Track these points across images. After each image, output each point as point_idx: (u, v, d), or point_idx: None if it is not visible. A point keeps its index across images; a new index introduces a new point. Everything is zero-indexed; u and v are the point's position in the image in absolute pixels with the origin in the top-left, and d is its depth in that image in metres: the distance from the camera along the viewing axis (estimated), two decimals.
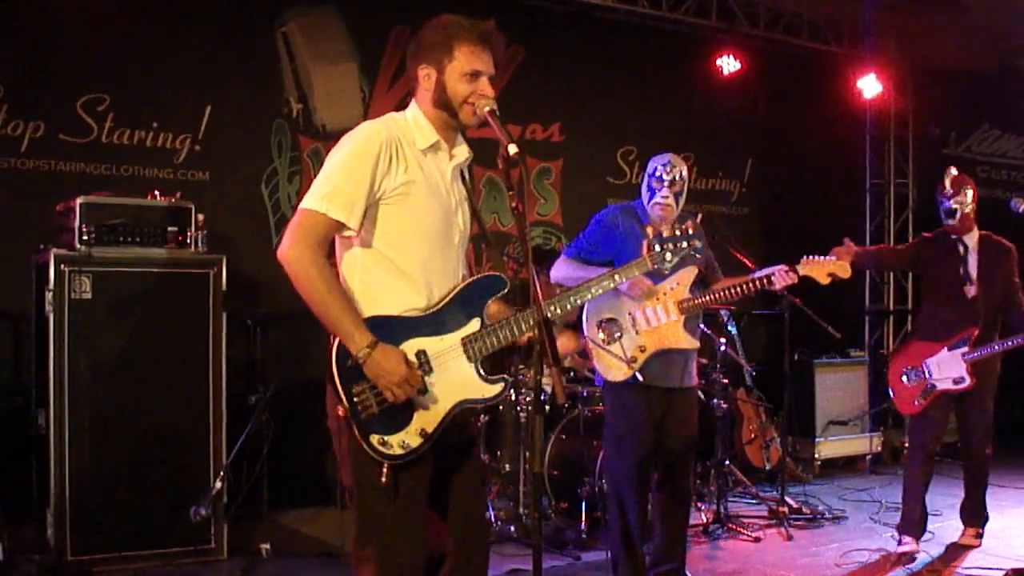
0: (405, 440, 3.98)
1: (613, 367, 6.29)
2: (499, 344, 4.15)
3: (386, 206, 4.04)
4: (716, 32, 11.67)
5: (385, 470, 3.95)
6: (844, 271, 6.43)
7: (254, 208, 9.52)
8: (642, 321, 6.27)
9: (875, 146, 13.26)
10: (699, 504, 8.89)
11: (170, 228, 7.45)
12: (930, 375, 7.60)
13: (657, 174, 6.40)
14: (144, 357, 7.37)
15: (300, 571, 7.44)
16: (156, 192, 7.61)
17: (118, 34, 8.86)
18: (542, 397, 8.06)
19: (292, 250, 3.93)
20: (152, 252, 7.39)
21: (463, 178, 4.35)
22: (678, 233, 4.57)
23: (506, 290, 4.24)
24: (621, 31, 11.42)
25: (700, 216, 9.44)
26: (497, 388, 4.18)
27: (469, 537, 4.35)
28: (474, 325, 4.15)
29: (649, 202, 6.44)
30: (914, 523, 7.73)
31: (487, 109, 4.06)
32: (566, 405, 8.63)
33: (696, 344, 6.43)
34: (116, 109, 8.87)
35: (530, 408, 7.46)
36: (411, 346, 4.03)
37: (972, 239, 7.68)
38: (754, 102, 12.60)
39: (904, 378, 7.74)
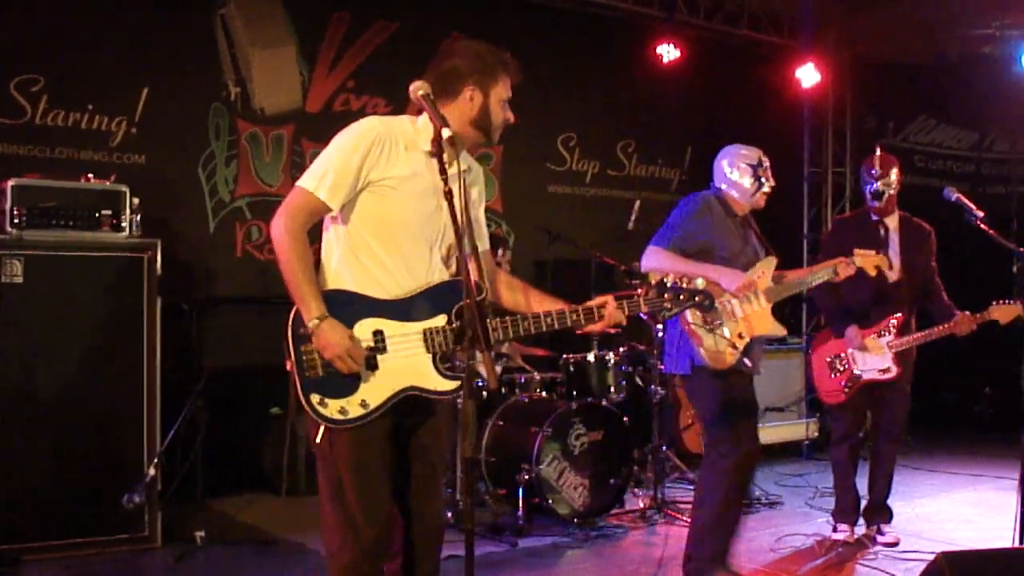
0: (344, 407, 4.17)
1: (720, 353, 6.29)
2: (460, 343, 4.24)
3: (370, 194, 4.28)
4: (657, 20, 11.68)
5: (320, 431, 4.17)
6: (885, 263, 6.77)
7: (191, 192, 9.45)
8: (738, 309, 6.33)
9: (813, 135, 13.30)
10: (635, 490, 8.92)
11: (104, 212, 7.37)
12: (855, 365, 7.59)
13: (764, 164, 6.59)
14: (76, 342, 7.29)
15: (235, 558, 7.39)
16: (90, 175, 7.53)
17: (54, 14, 8.76)
18: (480, 383, 8.08)
19: (276, 219, 4.22)
20: (85, 236, 7.31)
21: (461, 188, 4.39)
22: (683, 285, 4.57)
23: (482, 296, 4.30)
24: (562, 18, 11.42)
25: (639, 203, 9.55)
26: (451, 384, 4.33)
27: (420, 538, 4.48)
28: (439, 320, 4.31)
29: (755, 192, 6.58)
30: (847, 511, 7.76)
31: (420, 93, 4.21)
32: (502, 391, 8.64)
33: (783, 331, 6.56)
34: (51, 90, 8.78)
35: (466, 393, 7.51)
36: (369, 324, 4.24)
37: (893, 221, 7.61)
38: (694, 91, 12.64)
39: (829, 368, 7.74)
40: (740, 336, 6.29)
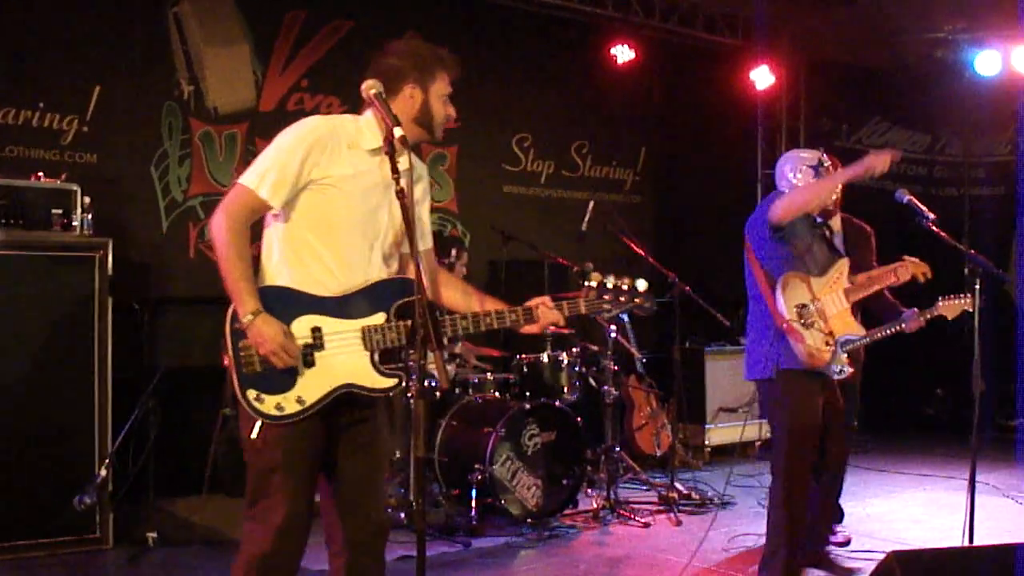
0: (281, 403, 4.18)
1: (819, 348, 6.31)
2: (400, 342, 4.32)
3: (312, 193, 4.29)
4: (612, 21, 11.71)
5: (257, 427, 4.16)
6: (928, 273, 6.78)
7: (143, 191, 9.38)
8: (828, 308, 6.39)
9: (767, 137, 13.39)
10: (588, 490, 8.93)
11: (55, 210, 7.33)
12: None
13: (825, 163, 6.62)
14: (27, 342, 7.24)
15: (187, 560, 7.36)
16: (40, 174, 7.48)
17: (4, 11, 8.67)
18: (433, 383, 8.06)
19: (216, 216, 4.23)
20: (35, 235, 7.26)
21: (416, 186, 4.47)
22: (624, 287, 4.57)
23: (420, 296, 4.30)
24: (517, 18, 11.43)
25: (592, 204, 9.56)
26: (389, 382, 4.34)
27: (362, 536, 4.47)
28: (378, 318, 4.31)
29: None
30: None
31: (373, 92, 4.25)
32: (456, 391, 8.64)
33: (864, 332, 6.58)
34: (1, 89, 8.70)
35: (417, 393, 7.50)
36: (307, 320, 4.24)
37: (836, 223, 7.64)
38: (648, 92, 12.68)
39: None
40: (831, 335, 6.36)
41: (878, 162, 6.12)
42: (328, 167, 4.26)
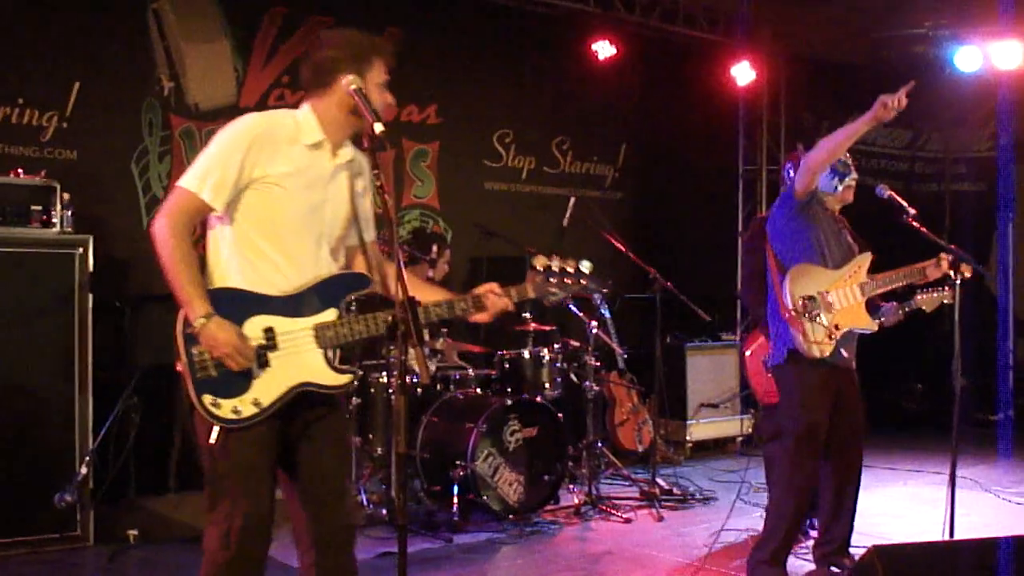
0: (237, 406, 4.15)
1: (820, 341, 6.40)
2: (352, 337, 4.32)
3: (255, 192, 4.24)
4: (593, 17, 11.70)
5: (215, 431, 4.13)
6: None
7: (123, 188, 9.34)
8: (836, 301, 6.45)
9: (748, 133, 13.42)
10: (570, 486, 8.93)
11: (34, 207, 7.30)
12: None
13: (844, 160, 6.59)
14: (6, 339, 7.21)
15: (168, 557, 7.34)
16: (20, 170, 7.46)
17: None
18: (413, 379, 8.07)
19: (158, 221, 4.17)
20: (15, 232, 7.24)
21: (373, 178, 4.42)
22: (569, 269, 4.56)
23: (367, 290, 4.43)
24: (499, 14, 11.41)
25: (574, 200, 9.56)
26: (344, 379, 4.37)
27: (328, 535, 4.47)
28: (330, 315, 4.31)
29: (838, 187, 6.63)
30: None
31: (352, 88, 4.22)
32: (438, 387, 8.65)
33: (875, 327, 6.62)
34: None
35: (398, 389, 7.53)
36: (259, 321, 4.22)
37: None
38: (629, 88, 12.69)
39: (765, 367, 7.75)
40: (836, 327, 6.42)
41: (885, 113, 6.12)
42: (268, 165, 4.22)
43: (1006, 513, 8.82)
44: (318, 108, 4.37)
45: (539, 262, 4.55)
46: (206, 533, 4.27)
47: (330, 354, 4.30)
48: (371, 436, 8.57)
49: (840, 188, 6.62)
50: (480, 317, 4.55)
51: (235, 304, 4.18)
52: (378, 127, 4.06)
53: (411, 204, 11.06)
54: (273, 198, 4.23)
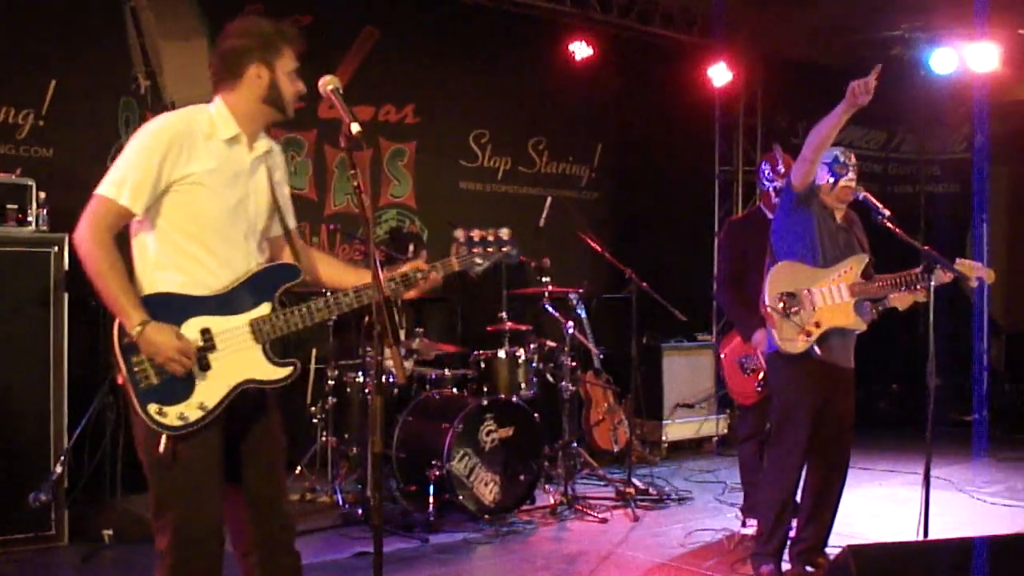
0: (184, 412, 4.12)
1: (791, 338, 6.50)
2: (289, 329, 4.33)
3: (176, 194, 4.20)
4: (570, 17, 11.71)
5: (163, 440, 4.09)
6: (990, 276, 6.68)
7: None
8: (819, 299, 6.50)
9: (724, 134, 13.42)
10: (546, 486, 8.94)
11: (9, 206, 7.26)
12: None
13: (840, 160, 6.65)
14: None
15: (143, 557, 7.26)
16: None
17: None
18: (390, 379, 8.07)
19: (80, 232, 4.12)
20: None
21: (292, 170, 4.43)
22: (490, 237, 4.62)
23: (299, 280, 4.42)
24: (476, 13, 11.40)
25: (549, 200, 9.56)
26: (285, 371, 4.35)
27: (271, 534, 4.48)
28: (264, 309, 4.31)
29: (834, 187, 6.63)
30: (756, 506, 7.82)
31: (330, 88, 4.19)
32: (414, 387, 8.65)
33: (863, 326, 6.62)
34: None
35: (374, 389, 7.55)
36: (195, 323, 4.19)
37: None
38: (606, 88, 12.69)
39: (740, 368, 7.78)
40: (816, 325, 6.47)
41: (856, 98, 6.49)
42: (188, 164, 4.17)
43: (980, 513, 8.85)
44: (230, 101, 4.35)
45: (460, 234, 4.61)
46: (159, 541, 4.22)
47: (269, 348, 4.29)
48: (347, 436, 8.58)
49: (835, 189, 6.63)
50: (410, 294, 4.58)
51: (169, 309, 4.15)
52: (355, 127, 4.02)
53: (388, 203, 11.06)
54: (196, 198, 4.20)
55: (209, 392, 4.17)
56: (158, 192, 4.15)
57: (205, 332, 4.18)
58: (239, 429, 4.35)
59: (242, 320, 4.26)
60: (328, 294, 4.43)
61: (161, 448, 4.08)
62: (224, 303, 4.24)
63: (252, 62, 4.32)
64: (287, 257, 4.55)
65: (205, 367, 4.17)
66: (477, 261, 4.62)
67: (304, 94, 4.49)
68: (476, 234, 4.60)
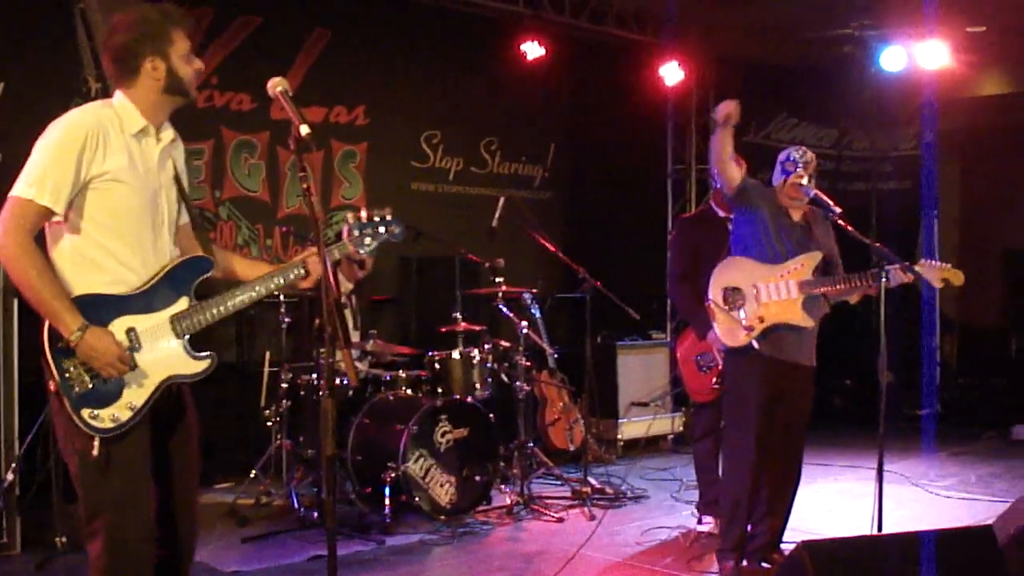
0: (115, 414, 4.11)
1: (732, 332, 6.57)
2: (209, 322, 4.34)
3: (93, 191, 4.16)
4: (522, 17, 11.70)
5: (96, 444, 4.06)
6: (958, 278, 6.50)
7: None
8: (764, 294, 6.53)
9: (677, 133, 13.47)
10: (502, 486, 8.93)
11: None
12: (721, 360, 7.58)
13: (792, 158, 6.69)
14: None
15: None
16: None
17: None
18: (345, 382, 8.04)
19: (2, 238, 4.04)
20: None
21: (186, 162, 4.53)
22: (376, 218, 4.70)
23: (212, 271, 4.43)
24: (427, 14, 11.40)
25: (503, 200, 9.56)
26: (204, 364, 4.35)
27: (183, 535, 4.48)
28: (182, 303, 4.32)
29: (784, 185, 6.69)
30: (713, 503, 7.84)
31: (279, 89, 4.21)
32: (368, 389, 8.62)
33: (811, 323, 6.62)
34: None
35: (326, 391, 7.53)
36: (121, 323, 4.18)
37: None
38: (558, 88, 12.71)
39: (696, 367, 7.79)
40: (760, 320, 6.51)
41: (723, 120, 6.53)
42: (105, 161, 4.13)
43: (933, 507, 8.92)
44: (132, 96, 4.31)
45: (350, 216, 4.68)
46: (92, 546, 4.19)
47: (188, 343, 4.30)
48: (301, 439, 8.54)
49: (786, 187, 6.66)
50: (307, 283, 4.58)
51: (95, 310, 4.11)
52: (304, 129, 4.03)
53: (339, 205, 11.04)
54: (113, 194, 4.16)
55: (137, 391, 4.17)
56: (76, 190, 4.10)
57: (130, 332, 4.18)
58: (160, 431, 4.33)
59: (163, 317, 4.26)
60: (242, 284, 4.44)
61: (95, 452, 4.05)
62: (144, 300, 4.24)
63: (146, 56, 4.28)
64: (193, 245, 4.54)
65: (132, 366, 4.16)
66: (368, 241, 4.67)
67: (202, 71, 4.48)
68: (363, 215, 4.67)
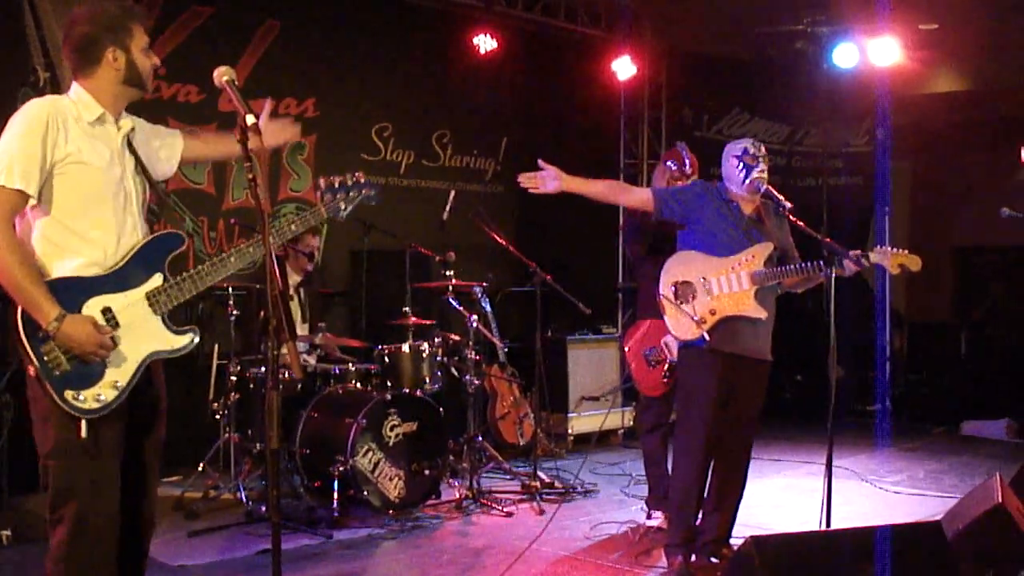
0: (100, 394, 4.18)
1: (683, 325, 6.54)
2: (184, 297, 4.42)
3: (59, 176, 4.24)
4: (474, 10, 11.69)
5: (83, 425, 4.11)
6: (915, 264, 6.50)
7: None
8: (715, 287, 6.51)
9: (629, 127, 13.50)
10: (451, 480, 8.91)
11: None
12: (671, 354, 7.59)
13: (750, 152, 6.66)
14: None
15: (43, 558, 7.17)
16: None
17: None
18: (288, 375, 8.00)
19: None
20: None
21: (132, 147, 4.54)
22: (350, 182, 4.81)
23: (184, 247, 4.52)
24: (378, 6, 11.37)
25: (454, 193, 9.53)
26: (186, 339, 4.47)
27: (145, 521, 4.54)
28: (156, 280, 4.40)
29: (745, 180, 6.63)
30: (662, 498, 7.84)
31: (225, 79, 4.24)
32: (317, 383, 8.58)
33: (764, 314, 6.58)
34: None
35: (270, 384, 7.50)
36: (96, 303, 4.24)
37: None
38: (510, 82, 12.69)
39: (645, 361, 7.78)
40: (712, 312, 6.50)
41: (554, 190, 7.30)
42: (67, 144, 4.21)
43: (883, 502, 8.95)
44: (90, 86, 4.40)
45: (322, 181, 4.82)
46: (56, 532, 4.24)
47: (167, 318, 4.36)
48: (249, 432, 8.49)
49: (746, 181, 6.63)
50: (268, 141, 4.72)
51: (69, 293, 4.16)
52: (250, 119, 4.04)
53: (288, 198, 10.97)
54: (80, 177, 4.25)
55: (119, 370, 4.22)
56: (45, 173, 4.17)
57: (107, 311, 4.22)
58: (136, 420, 4.37)
59: (138, 294, 4.32)
60: (212, 258, 4.49)
61: (83, 433, 4.10)
62: (118, 279, 4.29)
63: (107, 47, 4.37)
64: (199, 148, 4.82)
65: (115, 344, 4.20)
66: (341, 206, 4.81)
67: (158, 66, 4.57)
68: (336, 180, 4.78)
